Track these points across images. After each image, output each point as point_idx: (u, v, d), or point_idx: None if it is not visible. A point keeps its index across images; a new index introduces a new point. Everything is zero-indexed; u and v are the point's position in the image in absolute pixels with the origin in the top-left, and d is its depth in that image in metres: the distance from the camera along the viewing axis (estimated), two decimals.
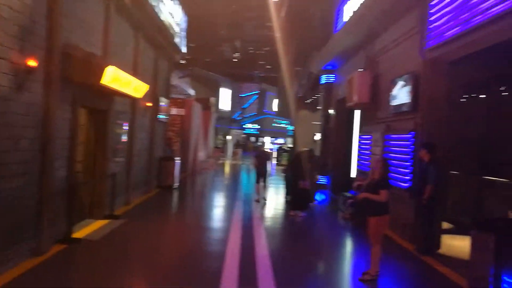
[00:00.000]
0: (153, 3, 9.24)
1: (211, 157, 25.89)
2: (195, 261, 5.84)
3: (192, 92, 20.32)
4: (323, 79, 15.15)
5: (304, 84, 20.62)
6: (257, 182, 11.83)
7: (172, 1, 11.60)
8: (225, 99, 44.80)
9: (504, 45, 5.66)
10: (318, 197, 12.30)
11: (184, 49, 13.97)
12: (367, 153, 9.97)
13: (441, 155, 6.61)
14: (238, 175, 21.09)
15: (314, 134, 20.78)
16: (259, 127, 48.29)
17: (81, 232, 6.66)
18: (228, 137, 37.36)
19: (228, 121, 44.73)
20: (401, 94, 7.83)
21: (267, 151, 13.18)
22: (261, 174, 11.76)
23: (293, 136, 24.51)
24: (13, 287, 4.33)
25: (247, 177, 18.68)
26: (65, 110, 6.15)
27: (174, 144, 15.82)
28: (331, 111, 14.48)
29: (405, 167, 7.51)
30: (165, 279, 5.01)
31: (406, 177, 7.41)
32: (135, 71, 9.05)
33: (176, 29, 12.33)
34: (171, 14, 11.35)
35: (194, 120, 17.73)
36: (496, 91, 8.05)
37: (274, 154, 28.30)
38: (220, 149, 34.45)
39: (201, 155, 20.44)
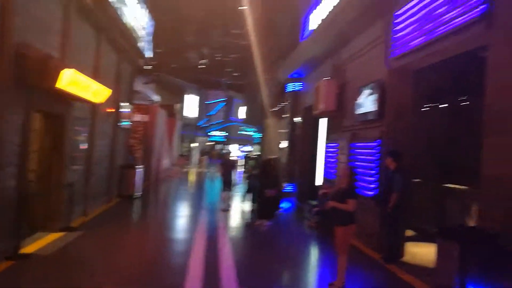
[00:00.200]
0: (116, 5, 8.87)
1: (176, 165, 25.37)
2: (156, 276, 5.52)
3: (156, 98, 19.84)
4: (290, 87, 15.19)
5: (271, 91, 20.64)
6: (223, 190, 11.61)
7: (139, 5, 11.25)
8: (191, 105, 44.25)
9: (466, 55, 5.79)
10: (284, 205, 12.21)
11: (149, 54, 13.58)
12: (333, 161, 10.00)
13: (406, 163, 6.68)
14: (203, 183, 20.72)
15: (281, 142, 20.81)
16: (226, 134, 47.97)
17: (32, 247, 6.18)
18: (194, 145, 36.81)
19: (194, 128, 44.13)
20: (367, 102, 7.89)
21: (233, 159, 12.98)
22: (227, 182, 11.56)
23: (260, 144, 24.47)
24: None
25: (213, 186, 18.38)
26: (17, 114, 5.72)
27: (137, 151, 15.31)
28: (297, 119, 14.50)
29: (371, 175, 7.53)
30: None
31: (372, 185, 7.44)
32: (95, 75, 8.63)
33: (141, 33, 11.96)
34: (135, 17, 10.99)
35: (158, 127, 17.28)
36: (458, 100, 8.27)
37: (241, 162, 28.09)
38: (185, 157, 33.88)
39: (165, 163, 19.96)
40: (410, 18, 6.56)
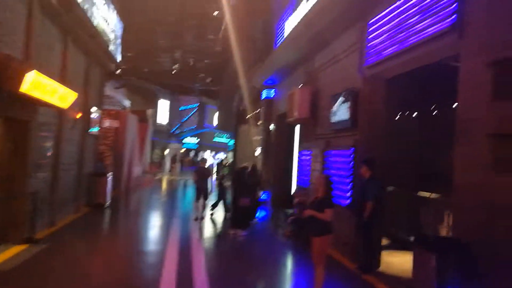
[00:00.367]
0: (85, 6, 8.54)
1: (147, 172, 24.83)
2: None
3: (128, 103, 19.37)
4: (264, 93, 15.16)
5: (246, 98, 20.57)
6: (197, 199, 11.36)
7: (107, 7, 10.92)
8: (163, 111, 43.60)
9: (439, 64, 5.89)
10: (259, 213, 12.08)
11: (119, 58, 13.22)
12: (307, 169, 9.97)
13: (380, 171, 6.69)
14: (175, 191, 20.31)
15: (255, 149, 20.73)
16: (198, 140, 47.48)
17: None
18: (166, 151, 36.20)
19: (166, 134, 43.47)
20: (341, 110, 7.90)
21: (208, 166, 12.75)
22: (201, 191, 11.32)
23: (234, 151, 24.31)
24: None
25: (185, 194, 18.05)
26: None
27: (107, 158, 14.83)
28: (272, 126, 14.46)
29: (345, 184, 7.52)
30: None
31: (346, 194, 7.42)
32: (62, 79, 8.28)
33: (111, 36, 11.62)
34: (105, 19, 10.65)
35: (129, 133, 16.83)
36: (431, 108, 8.43)
37: (214, 169, 27.81)
38: (157, 164, 33.26)
39: (137, 170, 19.46)
40: (383, 27, 6.63)
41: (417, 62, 6.04)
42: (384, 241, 7.67)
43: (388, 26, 6.48)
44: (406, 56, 6.03)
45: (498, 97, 3.96)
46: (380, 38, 6.72)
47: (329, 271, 5.75)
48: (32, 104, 6.94)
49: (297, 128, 12.12)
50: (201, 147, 46.84)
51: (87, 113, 10.97)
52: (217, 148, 46.08)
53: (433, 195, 7.58)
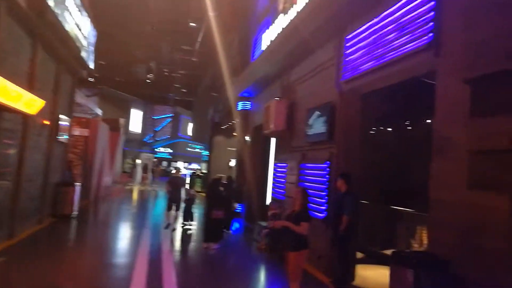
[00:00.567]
0: (56, 10, 8.23)
1: (118, 182, 24.17)
2: None
3: (99, 111, 18.86)
4: (240, 105, 15.09)
5: (220, 109, 20.44)
6: (168, 209, 11.08)
7: (80, 13, 10.61)
8: (136, 120, 42.85)
9: (415, 80, 5.97)
10: (233, 226, 11.88)
11: (91, 65, 12.85)
12: (283, 181, 9.90)
13: (355, 184, 6.68)
14: (146, 202, 19.80)
15: (230, 160, 20.55)
16: (172, 151, 46.79)
17: None
18: (138, 161, 35.43)
19: (138, 144, 42.66)
20: (317, 123, 7.90)
21: (181, 176, 12.50)
22: (174, 201, 11.08)
23: (208, 162, 24.03)
24: None
25: (156, 204, 17.60)
26: None
27: (76, 167, 14.30)
28: (247, 138, 14.37)
29: (321, 197, 7.48)
30: None
31: (322, 207, 7.37)
32: (30, 84, 7.92)
33: (83, 42, 11.28)
34: (77, 25, 10.33)
35: (100, 142, 16.33)
36: (406, 124, 8.55)
37: (187, 180, 27.39)
38: (129, 174, 32.48)
39: (107, 180, 18.90)
40: (361, 42, 6.70)
41: (393, 78, 6.10)
42: (359, 255, 7.64)
43: (365, 42, 6.54)
44: (383, 72, 6.09)
45: (475, 114, 4.01)
46: (357, 54, 6.78)
47: (303, 285, 5.63)
48: None
49: (273, 141, 12.07)
50: (174, 157, 46.17)
51: (55, 120, 10.54)
52: (191, 158, 45.52)
53: (407, 210, 7.64)
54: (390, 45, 5.83)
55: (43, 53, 9.02)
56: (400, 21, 5.62)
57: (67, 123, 11.86)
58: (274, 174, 11.00)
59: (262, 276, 7.82)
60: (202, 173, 28.04)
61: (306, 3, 8.13)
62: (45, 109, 8.98)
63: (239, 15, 16.49)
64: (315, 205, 7.54)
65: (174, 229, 10.83)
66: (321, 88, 8.16)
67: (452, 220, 4.31)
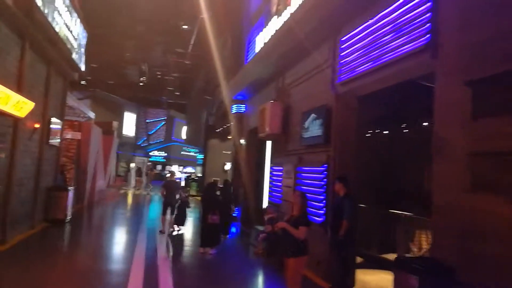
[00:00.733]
0: (46, 11, 8.07)
1: (112, 186, 23.93)
2: None
3: (92, 115, 18.66)
4: (234, 108, 14.99)
5: (214, 112, 20.32)
6: (163, 213, 10.94)
7: (70, 14, 10.45)
8: (129, 124, 42.56)
9: (412, 82, 5.91)
10: (230, 230, 11.76)
11: (83, 67, 12.68)
12: (279, 185, 9.80)
13: (352, 188, 6.60)
14: (141, 206, 19.59)
15: (225, 164, 20.44)
16: (166, 154, 46.51)
17: None
18: (132, 165, 35.15)
19: (132, 147, 42.38)
20: (313, 126, 7.82)
21: (177, 180, 12.38)
22: (169, 205, 10.95)
23: (203, 165, 23.89)
24: None
25: (151, 208, 17.41)
26: None
27: (69, 171, 14.10)
28: (242, 141, 14.27)
29: (319, 201, 7.38)
30: None
31: (320, 211, 7.27)
32: (19, 87, 7.75)
33: (74, 44, 11.12)
34: (67, 26, 10.16)
35: (93, 145, 16.14)
36: (404, 126, 8.49)
37: (182, 183, 27.22)
38: (123, 178, 32.24)
39: (100, 184, 18.68)
40: (356, 44, 6.63)
41: (390, 80, 6.03)
42: (358, 260, 7.55)
43: (361, 43, 6.47)
44: (379, 74, 6.01)
45: (475, 115, 3.94)
46: (353, 55, 6.70)
47: None
48: None
49: (269, 144, 11.97)
50: (168, 161, 45.90)
51: (47, 123, 10.37)
52: (185, 162, 45.27)
53: (406, 214, 7.57)
54: (387, 46, 5.76)
55: (32, 54, 8.85)
56: (397, 22, 5.55)
57: (59, 126, 11.69)
58: (270, 177, 10.91)
59: (260, 281, 7.70)
60: (197, 176, 27.88)
61: (300, 4, 8.04)
62: (35, 112, 8.81)
63: (232, 17, 16.40)
64: (313, 209, 7.44)
65: (170, 233, 10.69)
66: (317, 91, 8.08)
67: (454, 224, 4.23)
